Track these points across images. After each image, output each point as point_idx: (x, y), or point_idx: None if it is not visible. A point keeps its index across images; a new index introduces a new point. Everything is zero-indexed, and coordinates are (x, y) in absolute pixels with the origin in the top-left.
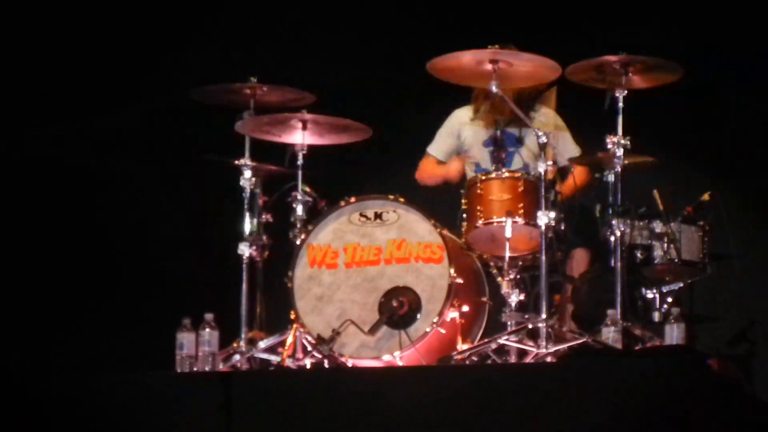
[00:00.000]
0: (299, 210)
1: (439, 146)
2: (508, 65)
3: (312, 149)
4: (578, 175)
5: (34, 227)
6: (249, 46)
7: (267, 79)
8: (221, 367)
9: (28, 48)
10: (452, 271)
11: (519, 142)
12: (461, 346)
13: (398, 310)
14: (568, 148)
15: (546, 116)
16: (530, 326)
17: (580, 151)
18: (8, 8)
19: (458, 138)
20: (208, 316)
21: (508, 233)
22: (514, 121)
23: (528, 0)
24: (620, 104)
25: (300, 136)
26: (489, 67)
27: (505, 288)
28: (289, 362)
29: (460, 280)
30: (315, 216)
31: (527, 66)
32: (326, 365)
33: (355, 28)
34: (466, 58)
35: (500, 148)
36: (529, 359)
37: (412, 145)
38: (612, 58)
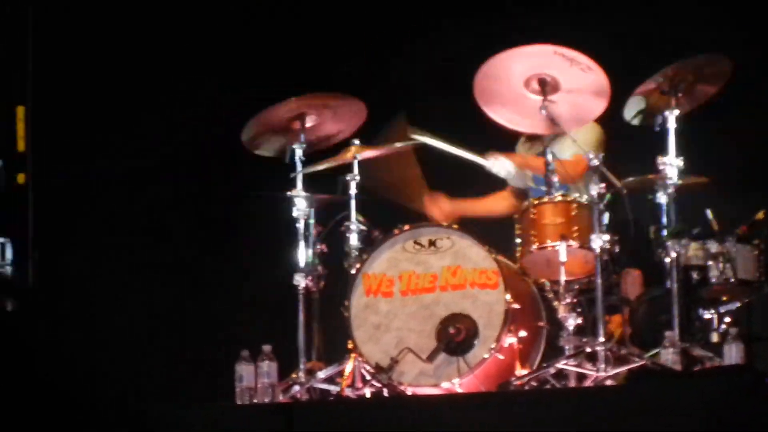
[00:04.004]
0: (353, 239)
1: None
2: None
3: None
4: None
5: (95, 261)
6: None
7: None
8: (281, 398)
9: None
10: (508, 296)
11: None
12: (520, 372)
13: (455, 336)
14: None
15: (585, 131)
16: (588, 350)
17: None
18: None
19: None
20: (267, 348)
21: (563, 257)
22: (555, 139)
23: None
24: (671, 124)
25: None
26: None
27: (561, 312)
28: (348, 392)
29: (516, 306)
30: (369, 245)
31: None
32: (386, 394)
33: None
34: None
35: (551, 171)
36: (588, 383)
37: (464, 168)
38: (660, 78)
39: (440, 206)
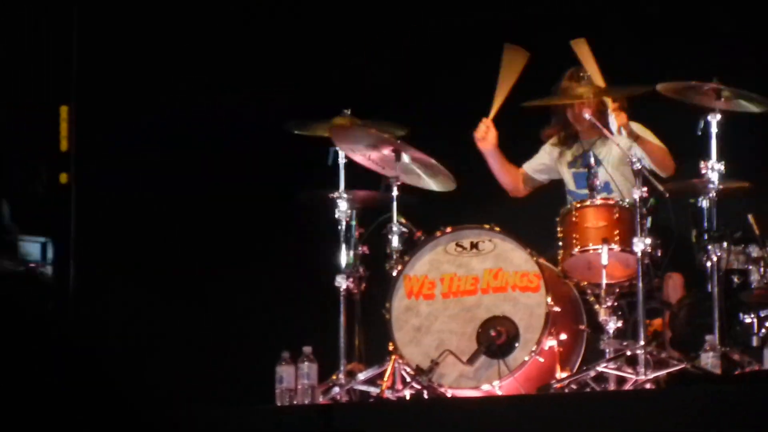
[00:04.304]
0: (395, 241)
1: (531, 163)
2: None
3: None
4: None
5: (135, 261)
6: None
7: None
8: (321, 399)
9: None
10: (549, 299)
11: (597, 161)
12: (560, 375)
13: (496, 339)
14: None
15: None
16: (629, 353)
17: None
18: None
19: (550, 156)
20: (307, 349)
21: (605, 260)
22: (595, 139)
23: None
24: (713, 128)
25: (390, 165)
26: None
27: (602, 315)
28: (388, 394)
29: (557, 309)
30: (411, 247)
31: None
32: (426, 396)
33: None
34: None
35: (593, 174)
36: (628, 386)
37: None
38: (703, 84)
39: (489, 133)
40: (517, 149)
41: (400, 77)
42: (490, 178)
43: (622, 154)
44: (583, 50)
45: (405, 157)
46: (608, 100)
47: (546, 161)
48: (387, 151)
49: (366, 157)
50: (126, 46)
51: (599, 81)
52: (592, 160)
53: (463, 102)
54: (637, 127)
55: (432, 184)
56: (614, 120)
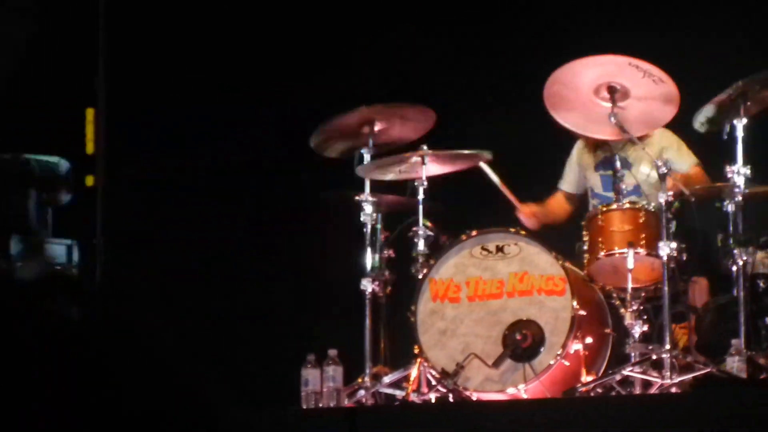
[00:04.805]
0: (421, 245)
1: (567, 178)
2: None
3: (432, 181)
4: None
5: (162, 264)
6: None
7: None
8: (346, 402)
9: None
10: (575, 303)
11: (627, 165)
12: (585, 378)
13: (522, 343)
14: (680, 165)
15: (660, 137)
16: (654, 357)
17: (693, 162)
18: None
19: (577, 164)
20: (332, 352)
21: (630, 264)
22: (625, 142)
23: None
24: (739, 132)
25: (419, 170)
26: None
27: (628, 319)
28: (413, 397)
29: (583, 312)
30: (436, 250)
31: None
32: (451, 399)
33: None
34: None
35: (619, 178)
36: (653, 390)
37: (533, 174)
38: (729, 91)
39: (532, 211)
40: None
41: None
42: (515, 181)
43: (650, 158)
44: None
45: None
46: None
47: (576, 173)
48: (414, 159)
49: (396, 172)
50: (152, 48)
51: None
52: (618, 164)
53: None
54: (663, 134)
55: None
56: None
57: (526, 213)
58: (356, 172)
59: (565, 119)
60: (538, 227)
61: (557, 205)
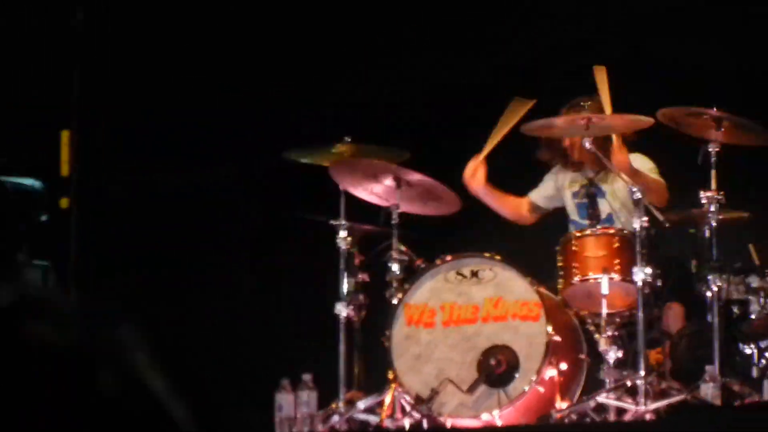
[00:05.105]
0: (395, 269)
1: (540, 191)
2: (601, 119)
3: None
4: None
5: (134, 288)
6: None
7: (362, 140)
8: (320, 428)
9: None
10: (550, 328)
11: (601, 192)
12: (560, 405)
13: (496, 368)
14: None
15: (636, 162)
16: (629, 383)
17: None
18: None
19: (555, 184)
20: (307, 377)
21: (605, 290)
22: (599, 170)
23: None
24: (713, 158)
25: (393, 195)
26: (583, 122)
27: (602, 345)
28: (388, 422)
29: (557, 338)
30: (411, 275)
31: (620, 120)
32: (425, 425)
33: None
34: (561, 120)
35: (594, 203)
36: (628, 417)
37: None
38: (704, 110)
39: (477, 171)
40: (522, 177)
41: (401, 99)
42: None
43: (626, 185)
44: (602, 78)
45: (406, 184)
46: (614, 136)
47: (551, 191)
48: (388, 181)
49: (369, 191)
50: (127, 71)
51: (608, 111)
52: (594, 190)
53: (464, 128)
54: (638, 159)
55: (435, 208)
56: (615, 159)
57: (473, 166)
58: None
59: (542, 132)
60: (475, 188)
61: (516, 204)
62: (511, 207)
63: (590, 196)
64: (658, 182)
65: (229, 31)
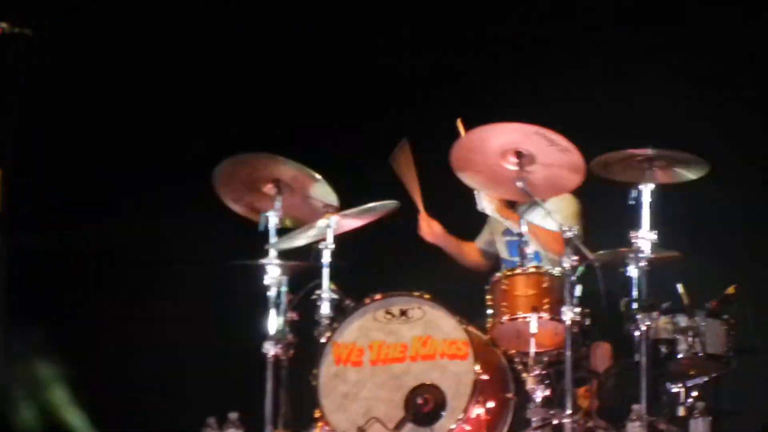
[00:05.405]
0: (325, 308)
1: (482, 237)
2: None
3: (338, 238)
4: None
5: (60, 328)
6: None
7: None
8: None
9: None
10: (477, 367)
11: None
12: None
13: (423, 407)
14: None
15: (562, 202)
16: (555, 422)
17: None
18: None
19: (489, 227)
20: (233, 416)
21: (534, 329)
22: (530, 208)
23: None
24: (645, 198)
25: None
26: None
27: (530, 384)
28: None
29: (485, 377)
30: (340, 313)
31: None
32: None
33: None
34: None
35: (524, 242)
36: None
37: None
38: (637, 151)
39: (432, 226)
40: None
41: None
42: (421, 244)
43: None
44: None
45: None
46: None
47: (487, 235)
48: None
49: (306, 237)
50: (62, 112)
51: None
52: (524, 228)
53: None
54: (564, 200)
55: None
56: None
57: (425, 224)
58: (268, 245)
59: (472, 180)
60: (437, 243)
61: (473, 251)
62: (468, 254)
63: (520, 233)
64: (550, 234)
65: (158, 68)
